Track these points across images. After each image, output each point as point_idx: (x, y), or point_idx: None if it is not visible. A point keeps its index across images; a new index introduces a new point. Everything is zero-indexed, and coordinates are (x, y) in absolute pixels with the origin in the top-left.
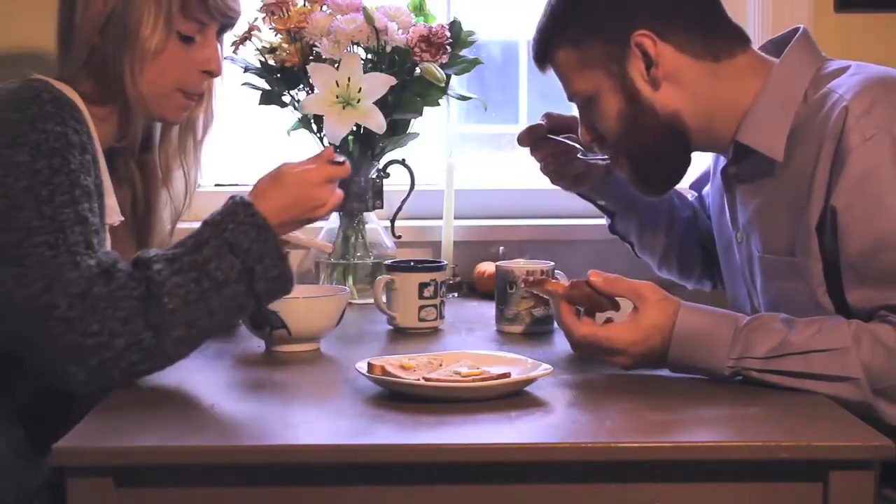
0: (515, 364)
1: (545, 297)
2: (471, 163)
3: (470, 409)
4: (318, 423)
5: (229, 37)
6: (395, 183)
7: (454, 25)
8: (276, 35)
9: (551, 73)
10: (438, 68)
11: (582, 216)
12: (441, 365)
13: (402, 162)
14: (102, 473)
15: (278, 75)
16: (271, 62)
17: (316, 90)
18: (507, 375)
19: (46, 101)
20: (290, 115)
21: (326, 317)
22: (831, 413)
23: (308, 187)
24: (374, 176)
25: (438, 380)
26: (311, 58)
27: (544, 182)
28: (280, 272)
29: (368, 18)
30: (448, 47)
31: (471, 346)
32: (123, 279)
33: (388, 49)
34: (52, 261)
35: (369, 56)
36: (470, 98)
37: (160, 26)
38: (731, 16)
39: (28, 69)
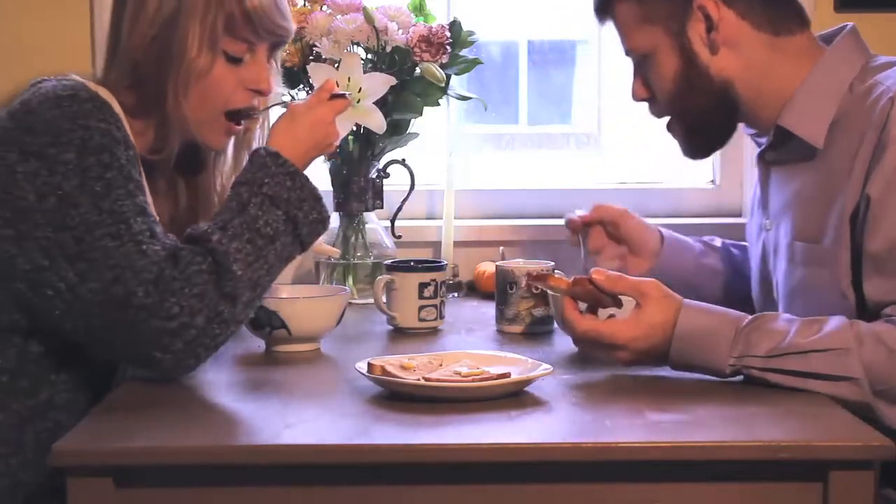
0: (515, 364)
1: (548, 292)
2: (471, 163)
3: (470, 409)
4: (317, 423)
5: None
6: (395, 183)
7: (454, 25)
8: None
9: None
10: (438, 68)
11: None
12: (441, 365)
13: (402, 162)
14: (102, 473)
15: None
16: None
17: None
18: (507, 375)
19: (85, 99)
20: None
21: (326, 317)
22: (831, 413)
23: (323, 126)
24: (374, 176)
25: (438, 380)
26: (311, 58)
27: (544, 182)
28: (319, 214)
29: (368, 18)
30: (448, 47)
31: (471, 346)
32: (189, 256)
33: (388, 49)
34: (118, 251)
35: (369, 56)
36: (470, 98)
37: (206, 47)
38: None
39: (33, 70)
